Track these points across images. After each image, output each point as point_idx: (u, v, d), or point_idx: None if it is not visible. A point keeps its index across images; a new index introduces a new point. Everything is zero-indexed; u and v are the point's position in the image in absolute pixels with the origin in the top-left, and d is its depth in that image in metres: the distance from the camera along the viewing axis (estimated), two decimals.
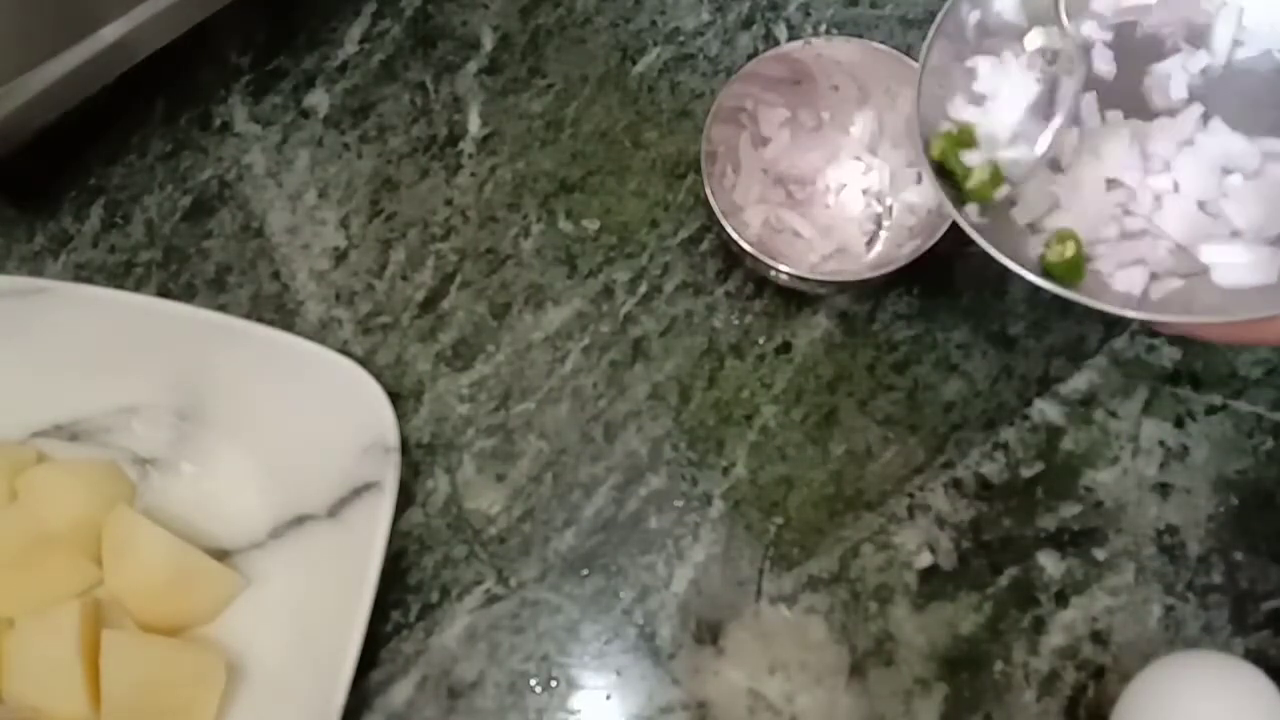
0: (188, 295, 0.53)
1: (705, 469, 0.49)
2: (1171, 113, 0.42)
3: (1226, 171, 0.40)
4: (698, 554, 0.48)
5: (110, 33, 0.47)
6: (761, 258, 0.46)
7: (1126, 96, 0.43)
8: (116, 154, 0.55)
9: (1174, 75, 0.42)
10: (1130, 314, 0.39)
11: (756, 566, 0.48)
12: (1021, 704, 0.46)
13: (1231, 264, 0.38)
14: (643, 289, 0.52)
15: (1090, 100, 0.42)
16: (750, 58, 0.50)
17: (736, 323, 0.51)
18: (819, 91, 0.51)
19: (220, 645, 0.46)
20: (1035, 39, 0.42)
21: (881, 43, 0.49)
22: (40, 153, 0.52)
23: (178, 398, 0.49)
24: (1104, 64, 0.43)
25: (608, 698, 0.47)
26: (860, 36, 0.51)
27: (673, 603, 0.48)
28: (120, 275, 0.53)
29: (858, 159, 0.52)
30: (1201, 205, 0.40)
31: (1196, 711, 0.41)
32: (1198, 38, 0.42)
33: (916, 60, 0.44)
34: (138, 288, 0.53)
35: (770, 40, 0.56)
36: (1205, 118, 0.41)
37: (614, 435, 0.50)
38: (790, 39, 0.56)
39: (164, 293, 0.53)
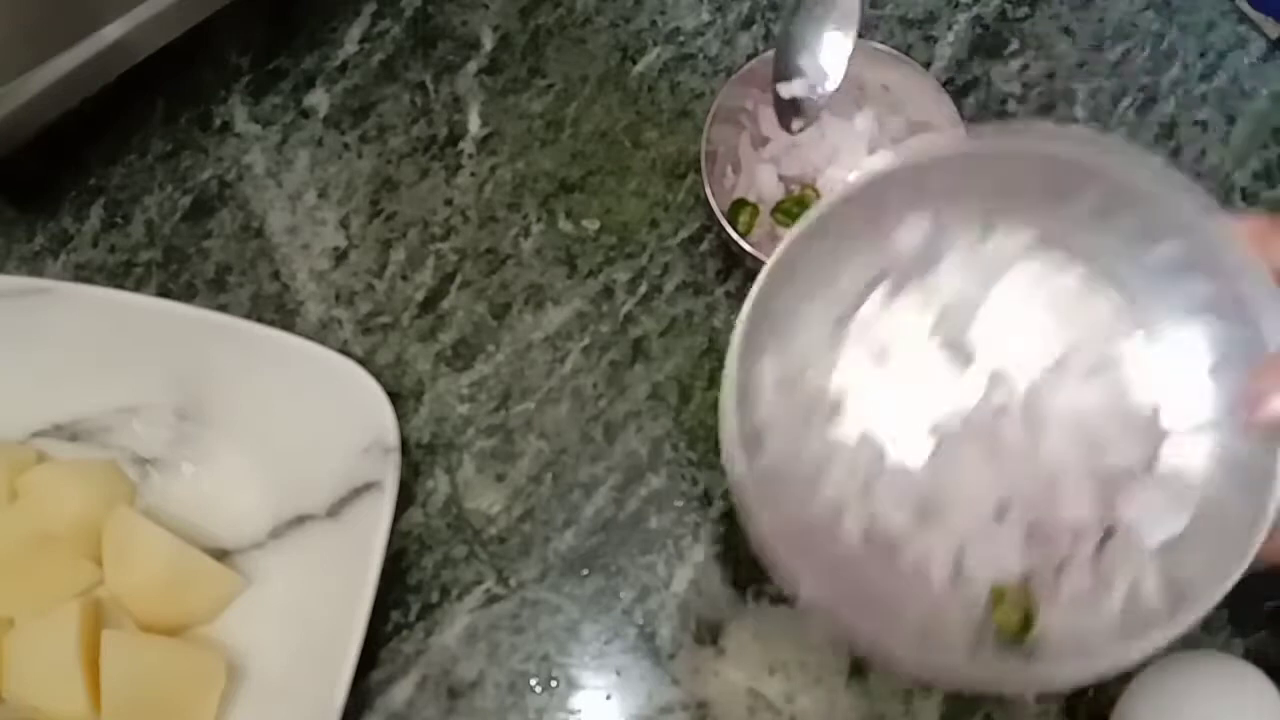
0: (188, 295, 0.53)
1: (705, 469, 0.49)
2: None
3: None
4: (698, 554, 0.48)
5: (110, 33, 0.47)
6: (761, 258, 0.46)
7: None
8: (116, 154, 0.55)
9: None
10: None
11: (757, 566, 0.48)
12: (1021, 704, 0.46)
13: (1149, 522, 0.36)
14: (643, 289, 0.52)
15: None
16: (750, 58, 0.50)
17: None
18: None
19: (220, 645, 0.46)
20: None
21: (881, 43, 0.49)
22: (40, 153, 0.52)
23: (178, 398, 0.49)
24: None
25: (608, 698, 0.47)
26: (860, 36, 0.51)
27: (673, 603, 0.48)
28: (120, 275, 0.53)
29: (858, 159, 0.52)
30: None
31: (1196, 711, 0.41)
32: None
33: (917, 60, 0.44)
34: (138, 288, 0.53)
35: (770, 40, 0.56)
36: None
37: (614, 435, 0.50)
38: None
39: (164, 293, 0.53)
